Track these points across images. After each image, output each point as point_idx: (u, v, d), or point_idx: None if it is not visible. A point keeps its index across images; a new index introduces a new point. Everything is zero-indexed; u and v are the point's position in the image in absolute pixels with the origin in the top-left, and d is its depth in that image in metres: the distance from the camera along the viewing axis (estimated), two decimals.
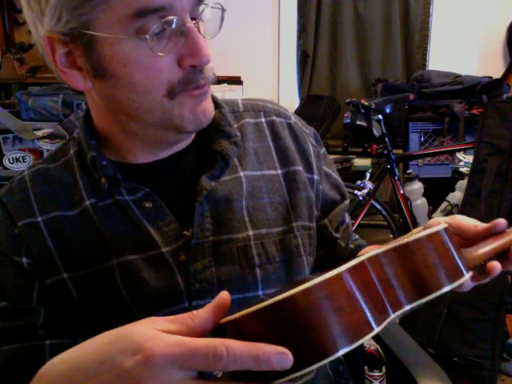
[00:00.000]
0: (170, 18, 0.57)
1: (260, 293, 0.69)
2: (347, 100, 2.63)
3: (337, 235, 0.81)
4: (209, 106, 0.65)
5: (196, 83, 0.61)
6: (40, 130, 2.24)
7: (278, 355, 0.38)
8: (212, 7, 0.63)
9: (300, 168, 0.76)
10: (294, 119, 0.81)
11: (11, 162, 2.30)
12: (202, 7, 0.61)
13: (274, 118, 0.79)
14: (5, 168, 2.29)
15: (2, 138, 2.26)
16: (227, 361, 0.38)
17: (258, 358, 0.38)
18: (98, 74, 0.60)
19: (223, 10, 0.64)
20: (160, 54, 0.57)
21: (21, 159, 2.30)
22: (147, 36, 0.56)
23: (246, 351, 0.38)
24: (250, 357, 0.38)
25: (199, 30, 0.60)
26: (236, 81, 3.17)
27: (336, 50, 3.64)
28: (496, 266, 0.59)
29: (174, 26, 0.57)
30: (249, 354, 0.38)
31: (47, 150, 2.26)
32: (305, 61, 3.62)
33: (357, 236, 0.89)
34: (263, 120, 0.78)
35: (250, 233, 0.70)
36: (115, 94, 0.62)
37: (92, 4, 0.55)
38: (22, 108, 2.25)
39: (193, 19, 0.60)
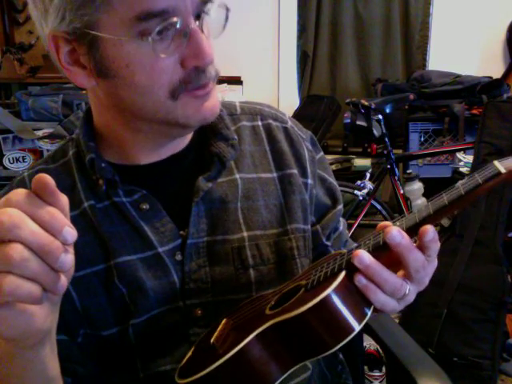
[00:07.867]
0: (174, 20, 0.56)
1: (254, 294, 0.69)
2: (347, 100, 2.63)
3: (328, 243, 0.81)
4: (214, 103, 0.65)
5: (198, 83, 0.61)
6: (40, 129, 2.24)
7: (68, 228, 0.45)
8: (218, 6, 0.63)
9: (295, 171, 0.76)
10: (290, 123, 0.81)
11: (11, 162, 2.30)
12: (207, 6, 0.61)
13: (271, 121, 0.79)
14: (5, 168, 2.29)
15: (2, 138, 2.26)
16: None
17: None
18: (102, 73, 0.60)
19: (227, 10, 0.64)
20: (162, 56, 0.57)
21: (21, 159, 2.30)
22: (150, 38, 0.56)
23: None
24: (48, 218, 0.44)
25: (202, 30, 0.60)
26: (236, 81, 3.17)
27: (336, 50, 3.64)
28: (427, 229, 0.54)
29: (177, 27, 0.57)
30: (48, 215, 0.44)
31: (47, 150, 2.26)
32: (305, 61, 3.61)
33: (354, 245, 0.87)
34: (260, 123, 0.78)
35: (245, 234, 0.71)
36: (119, 93, 0.62)
37: (95, 5, 0.55)
38: (22, 108, 2.25)
39: (198, 17, 0.60)
